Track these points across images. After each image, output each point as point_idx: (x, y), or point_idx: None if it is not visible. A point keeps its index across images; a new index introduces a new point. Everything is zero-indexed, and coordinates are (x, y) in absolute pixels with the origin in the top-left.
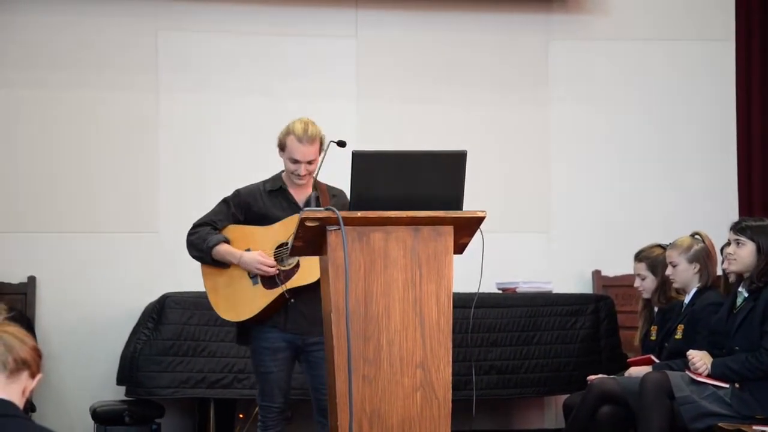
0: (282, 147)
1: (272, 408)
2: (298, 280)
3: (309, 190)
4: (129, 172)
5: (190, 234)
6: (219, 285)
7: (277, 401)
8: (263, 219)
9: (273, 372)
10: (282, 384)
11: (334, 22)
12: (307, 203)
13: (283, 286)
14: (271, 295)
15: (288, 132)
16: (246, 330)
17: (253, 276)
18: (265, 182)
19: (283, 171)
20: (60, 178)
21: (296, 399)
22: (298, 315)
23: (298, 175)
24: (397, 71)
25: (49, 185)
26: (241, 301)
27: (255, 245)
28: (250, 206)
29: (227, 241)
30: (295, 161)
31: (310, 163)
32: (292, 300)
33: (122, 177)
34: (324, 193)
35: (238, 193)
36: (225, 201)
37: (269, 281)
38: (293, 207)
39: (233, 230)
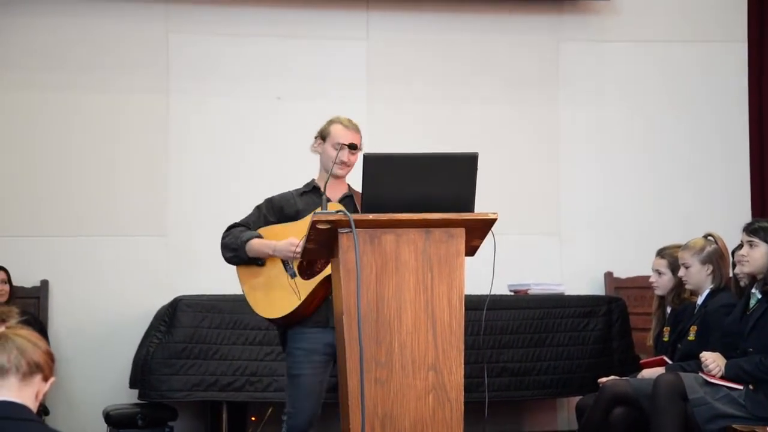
0: (324, 136)
1: (302, 415)
2: None
3: (341, 189)
4: (140, 175)
5: (223, 237)
6: (257, 285)
7: (307, 408)
8: (295, 218)
9: (305, 375)
10: (314, 390)
11: (345, 25)
12: (344, 200)
13: (324, 272)
14: (311, 284)
15: (332, 121)
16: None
17: (290, 270)
18: (298, 188)
19: (313, 178)
20: (71, 181)
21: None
22: None
23: (342, 162)
24: (408, 73)
25: (61, 189)
26: (282, 296)
27: (287, 238)
28: (283, 209)
29: (260, 237)
30: (342, 146)
31: (354, 151)
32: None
33: (133, 180)
34: (357, 196)
35: (270, 199)
36: (257, 207)
37: (307, 272)
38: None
39: (265, 230)
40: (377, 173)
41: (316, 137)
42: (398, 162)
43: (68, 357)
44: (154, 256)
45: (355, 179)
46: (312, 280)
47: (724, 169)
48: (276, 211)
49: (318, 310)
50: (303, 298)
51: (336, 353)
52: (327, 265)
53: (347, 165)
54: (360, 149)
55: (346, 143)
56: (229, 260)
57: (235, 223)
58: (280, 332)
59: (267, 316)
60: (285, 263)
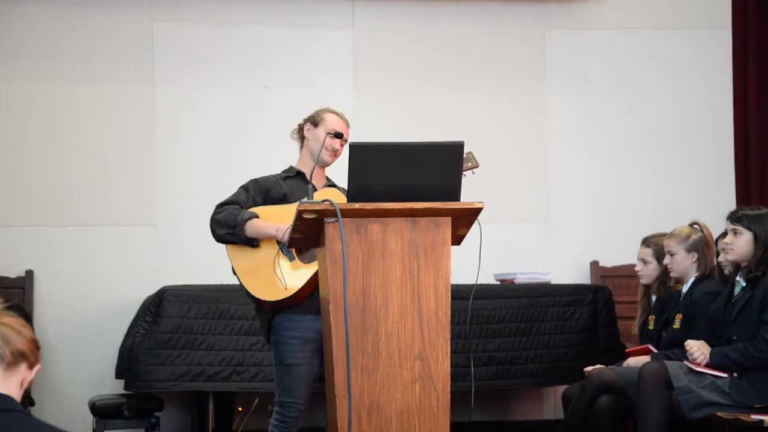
0: (316, 122)
1: (296, 406)
2: None
3: (323, 179)
4: (126, 165)
5: (216, 213)
6: (253, 266)
7: (302, 398)
8: (281, 201)
9: (301, 364)
10: (308, 378)
11: (331, 13)
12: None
13: None
14: (313, 267)
15: (325, 110)
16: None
17: (287, 252)
18: (279, 173)
19: (291, 165)
20: (56, 172)
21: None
22: None
23: (334, 150)
24: (394, 62)
25: (46, 179)
26: (285, 278)
27: (285, 222)
28: (270, 191)
29: (258, 218)
30: (336, 133)
31: (343, 144)
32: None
33: (119, 170)
34: (336, 192)
35: (256, 180)
36: (243, 187)
37: (307, 256)
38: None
39: (259, 210)
40: (363, 162)
41: (304, 122)
42: (384, 151)
43: (54, 348)
44: (142, 246)
45: (335, 173)
46: (314, 263)
47: (710, 158)
48: (263, 192)
49: (312, 295)
50: (308, 279)
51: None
52: None
53: (335, 155)
54: (346, 142)
55: (340, 131)
56: (220, 237)
57: (227, 200)
58: (267, 318)
59: (269, 299)
60: (282, 247)
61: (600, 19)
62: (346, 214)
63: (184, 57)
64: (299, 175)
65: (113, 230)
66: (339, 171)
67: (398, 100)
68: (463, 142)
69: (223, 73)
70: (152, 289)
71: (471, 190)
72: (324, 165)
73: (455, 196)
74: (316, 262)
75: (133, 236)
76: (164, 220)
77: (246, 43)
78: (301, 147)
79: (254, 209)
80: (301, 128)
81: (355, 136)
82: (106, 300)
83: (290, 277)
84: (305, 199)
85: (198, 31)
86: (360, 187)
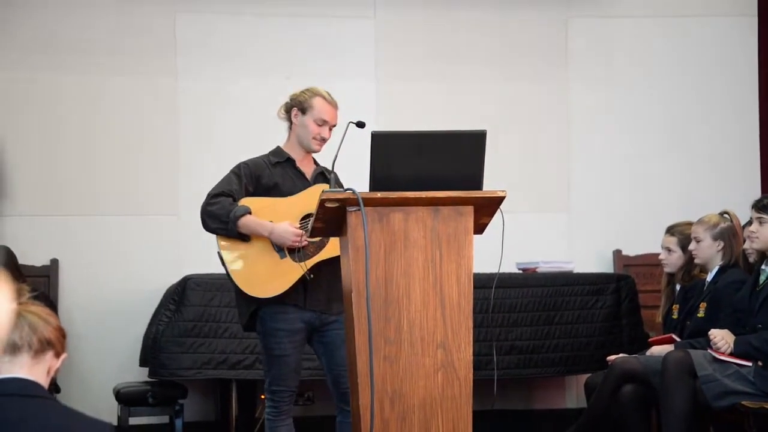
0: (304, 109)
1: (288, 392)
2: (330, 251)
3: (311, 164)
4: (150, 155)
5: (209, 204)
6: (242, 260)
7: (292, 385)
8: (272, 190)
9: (290, 355)
10: (297, 367)
11: (353, 3)
12: (318, 176)
13: (317, 256)
14: (302, 267)
15: (314, 94)
16: (255, 314)
17: (279, 249)
18: (267, 155)
19: (278, 146)
20: (81, 162)
21: (317, 380)
22: (318, 291)
23: (323, 139)
24: (416, 51)
25: (71, 169)
26: (272, 276)
27: (278, 217)
28: (260, 178)
29: (250, 213)
30: (324, 122)
31: (332, 128)
32: (311, 276)
33: (143, 160)
34: (324, 172)
35: (246, 165)
36: (234, 173)
37: (298, 254)
38: (301, 178)
39: (252, 202)
40: (385, 151)
41: (291, 105)
42: (406, 139)
43: (79, 335)
44: (164, 236)
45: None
46: (304, 263)
47: (735, 147)
48: (254, 179)
49: (295, 289)
50: (294, 281)
51: (309, 331)
52: (319, 250)
53: (324, 141)
54: (335, 126)
55: (328, 119)
56: (212, 230)
57: (220, 191)
58: (250, 309)
59: (255, 295)
60: (274, 244)
61: (623, 7)
62: (369, 203)
63: (207, 49)
64: (288, 161)
65: (137, 220)
66: (362, 159)
67: (420, 88)
68: (485, 130)
69: (245, 65)
70: (175, 278)
71: (493, 178)
72: (313, 152)
73: (477, 184)
74: (309, 261)
75: (157, 226)
76: (187, 210)
77: (268, 35)
78: (289, 129)
79: (247, 201)
80: (288, 110)
81: (376, 125)
82: (130, 289)
83: (279, 275)
84: (329, 189)
85: (220, 22)
86: (382, 175)
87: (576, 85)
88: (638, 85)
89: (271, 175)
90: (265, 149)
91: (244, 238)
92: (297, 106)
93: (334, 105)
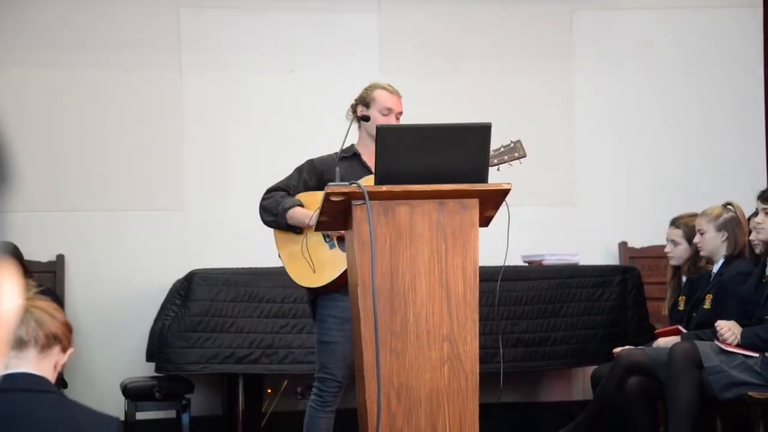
0: (367, 103)
1: (333, 382)
2: None
3: None
4: (155, 150)
5: (263, 199)
6: (295, 253)
7: (338, 375)
8: None
9: (337, 342)
10: (346, 357)
11: None
12: None
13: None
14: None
15: (374, 87)
16: (314, 303)
17: (329, 240)
18: (337, 152)
19: (352, 143)
20: (87, 157)
21: None
22: None
23: None
24: (420, 44)
25: (76, 165)
26: (321, 266)
27: None
28: (324, 173)
29: (301, 205)
30: (389, 110)
31: (398, 116)
32: None
33: (148, 155)
34: None
35: (310, 161)
36: (297, 169)
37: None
38: (366, 171)
39: (305, 196)
40: (390, 145)
41: (355, 104)
42: (411, 133)
43: (85, 331)
44: (171, 230)
45: None
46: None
47: (740, 139)
48: (317, 174)
49: (347, 279)
50: (342, 270)
51: None
52: None
53: None
54: (401, 114)
55: (393, 107)
56: (267, 224)
57: (276, 185)
58: (310, 299)
59: (306, 285)
60: (325, 235)
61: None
62: (374, 196)
63: (210, 42)
64: (355, 156)
65: (143, 215)
66: None
67: (424, 82)
68: (490, 123)
69: (249, 58)
70: (181, 273)
71: (498, 171)
72: None
73: (483, 177)
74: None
75: (163, 221)
76: (193, 205)
77: (271, 28)
78: (359, 127)
79: (302, 195)
80: (354, 108)
81: None
82: (136, 284)
83: (328, 265)
84: (335, 183)
85: (223, 16)
86: (387, 169)
87: (580, 77)
88: (643, 77)
89: (336, 169)
90: (270, 142)
91: (295, 230)
92: (360, 102)
93: (396, 94)
